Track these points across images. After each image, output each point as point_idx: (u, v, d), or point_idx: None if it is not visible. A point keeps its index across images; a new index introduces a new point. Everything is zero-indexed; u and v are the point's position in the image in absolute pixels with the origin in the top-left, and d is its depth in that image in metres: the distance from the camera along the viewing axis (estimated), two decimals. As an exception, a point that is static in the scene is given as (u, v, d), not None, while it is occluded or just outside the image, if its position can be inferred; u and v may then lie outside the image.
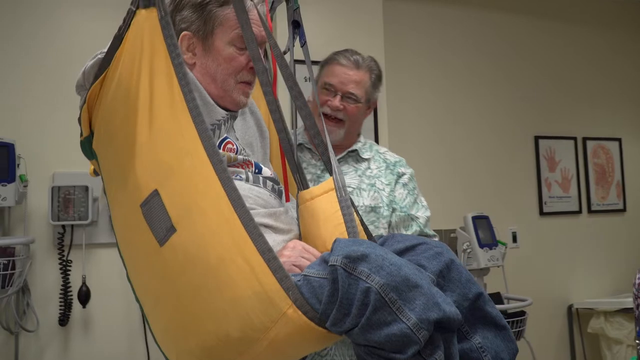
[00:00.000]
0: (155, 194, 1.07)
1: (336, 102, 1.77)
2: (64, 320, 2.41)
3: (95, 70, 1.13)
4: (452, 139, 3.45)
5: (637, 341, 1.37)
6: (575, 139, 3.85)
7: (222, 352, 1.06)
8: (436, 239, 1.78)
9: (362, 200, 1.76)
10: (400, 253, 1.21)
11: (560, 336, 3.66)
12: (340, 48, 1.84)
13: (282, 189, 1.36)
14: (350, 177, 1.82)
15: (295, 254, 1.14)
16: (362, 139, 1.91)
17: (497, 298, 2.99)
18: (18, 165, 2.32)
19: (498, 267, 3.04)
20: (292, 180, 1.43)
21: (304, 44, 1.49)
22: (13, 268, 2.27)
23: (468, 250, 2.97)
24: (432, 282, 1.08)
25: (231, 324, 1.02)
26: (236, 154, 1.30)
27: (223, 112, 1.32)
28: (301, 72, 2.62)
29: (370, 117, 2.77)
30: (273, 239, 1.20)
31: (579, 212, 3.82)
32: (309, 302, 1.01)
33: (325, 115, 1.75)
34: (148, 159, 1.09)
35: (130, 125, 1.09)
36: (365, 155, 1.85)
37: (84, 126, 1.18)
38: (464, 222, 3.02)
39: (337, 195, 1.22)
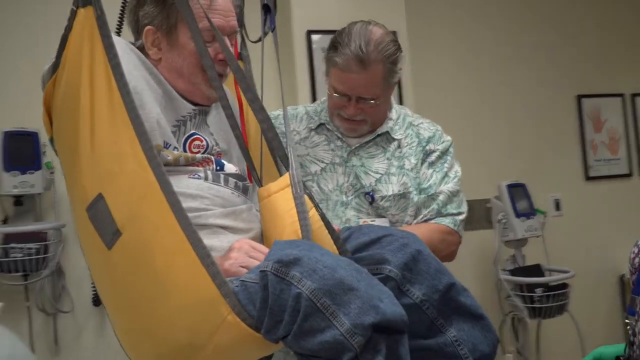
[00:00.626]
0: (100, 197, 1.06)
1: (351, 110, 1.59)
2: (97, 300, 2.49)
3: (50, 71, 1.13)
4: (485, 104, 3.28)
5: (626, 320, 1.29)
6: (622, 95, 3.60)
7: (173, 358, 1.06)
8: (461, 216, 1.66)
9: (391, 187, 1.64)
10: (366, 246, 1.17)
11: (611, 309, 3.48)
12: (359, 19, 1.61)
13: (248, 185, 1.31)
14: (379, 160, 1.68)
15: (241, 255, 1.09)
16: (394, 113, 1.72)
17: (536, 270, 2.88)
18: (44, 152, 2.38)
19: (537, 237, 2.92)
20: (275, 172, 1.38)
21: (273, 29, 1.38)
22: (46, 252, 2.37)
23: (503, 221, 2.87)
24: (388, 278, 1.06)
25: (179, 331, 1.02)
26: (206, 150, 1.27)
27: (190, 108, 1.29)
28: (321, 42, 2.59)
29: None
30: (229, 240, 1.17)
31: (629, 175, 3.59)
32: (245, 308, 0.98)
33: (344, 120, 1.62)
34: (92, 162, 1.07)
35: (75, 127, 1.08)
36: (397, 135, 1.69)
37: (46, 127, 1.18)
38: (499, 191, 2.91)
39: (292, 191, 1.15)
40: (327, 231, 1.15)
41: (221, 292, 0.97)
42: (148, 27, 1.24)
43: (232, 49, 1.29)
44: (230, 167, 1.30)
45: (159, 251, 1.02)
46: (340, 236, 1.19)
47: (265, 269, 0.97)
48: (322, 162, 1.69)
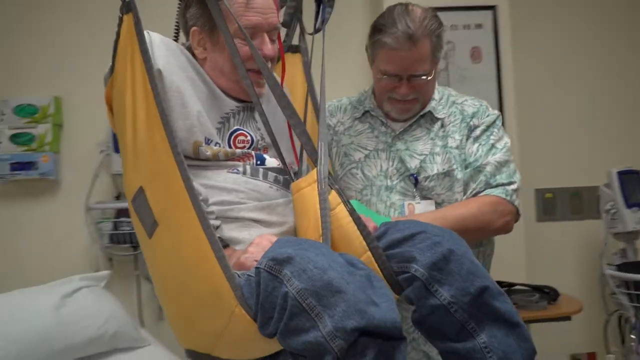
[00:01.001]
0: (141, 190, 1.16)
1: (404, 89, 1.60)
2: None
3: (108, 74, 1.23)
4: (596, 84, 3.00)
5: None
6: None
7: (201, 342, 1.15)
8: (512, 186, 1.60)
9: (436, 166, 1.64)
10: (399, 243, 1.16)
11: None
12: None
13: (289, 178, 1.33)
14: (423, 142, 1.68)
15: (258, 250, 1.11)
16: (437, 93, 1.72)
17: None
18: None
19: (650, 230, 2.66)
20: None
21: (321, 25, 1.40)
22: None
23: (612, 211, 2.64)
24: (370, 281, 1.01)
25: (202, 319, 1.12)
26: (251, 144, 1.33)
27: (233, 105, 1.34)
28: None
29: (492, 74, 2.57)
30: (260, 233, 1.21)
31: None
32: (247, 302, 1.02)
33: (397, 101, 1.63)
34: (135, 158, 1.18)
35: (123, 127, 1.18)
36: (440, 115, 1.69)
37: (111, 123, 1.30)
38: (608, 179, 2.68)
39: (317, 187, 1.16)
40: (356, 227, 1.16)
41: (230, 285, 1.04)
42: (193, 28, 1.31)
43: (273, 45, 1.33)
44: (271, 162, 1.33)
45: (185, 244, 1.11)
46: (370, 232, 1.18)
47: (259, 266, 1.00)
48: (366, 149, 1.70)
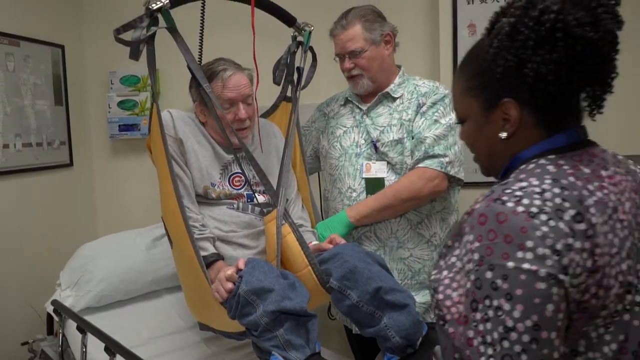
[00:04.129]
0: (162, 219, 1.90)
1: (346, 64, 2.04)
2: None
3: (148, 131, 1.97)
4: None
5: None
6: None
7: (202, 318, 1.91)
8: (447, 158, 1.94)
9: (392, 135, 2.01)
10: (326, 262, 1.72)
11: None
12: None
13: (271, 209, 1.83)
14: (384, 117, 2.06)
15: (217, 285, 1.67)
16: (397, 78, 2.10)
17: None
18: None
19: None
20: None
21: (304, 87, 2.14)
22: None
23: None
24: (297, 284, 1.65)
25: (201, 305, 1.85)
26: (245, 183, 1.92)
27: (228, 157, 1.92)
28: (469, 10, 2.63)
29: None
30: (243, 253, 1.83)
31: None
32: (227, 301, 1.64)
33: (348, 78, 2.06)
34: (160, 197, 1.87)
35: (156, 166, 1.90)
36: (396, 94, 2.06)
37: (152, 161, 1.99)
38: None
39: (276, 223, 1.74)
40: (301, 249, 1.71)
41: (210, 287, 1.68)
42: (195, 102, 1.93)
43: (249, 106, 1.91)
44: (260, 198, 1.90)
45: (186, 260, 1.77)
46: (311, 252, 1.73)
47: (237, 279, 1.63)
48: (344, 126, 2.13)
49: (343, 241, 1.85)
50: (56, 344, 2.35)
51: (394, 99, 2.07)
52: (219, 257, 1.79)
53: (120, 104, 3.07)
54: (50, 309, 2.31)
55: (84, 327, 1.94)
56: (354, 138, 2.10)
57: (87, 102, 3.24)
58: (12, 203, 2.68)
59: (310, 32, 2.12)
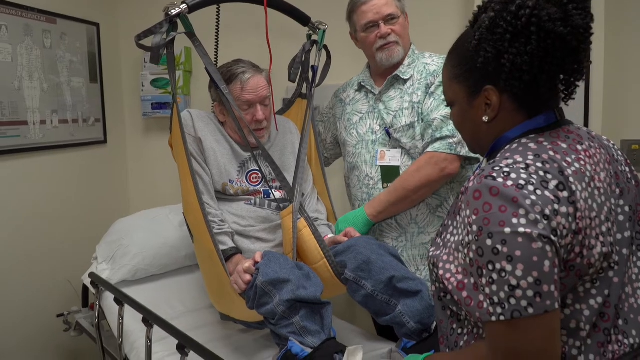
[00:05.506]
0: (184, 215, 2.01)
1: (383, 29, 1.96)
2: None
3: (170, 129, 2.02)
4: None
5: None
6: None
7: (223, 308, 1.94)
8: (454, 139, 1.89)
9: (404, 119, 1.98)
10: (340, 254, 1.77)
11: None
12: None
13: (287, 204, 1.88)
14: (396, 100, 2.02)
15: (235, 274, 1.71)
16: (407, 58, 2.05)
17: None
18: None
19: None
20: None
21: (319, 83, 2.14)
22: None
23: None
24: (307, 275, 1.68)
25: (221, 297, 1.90)
26: (262, 179, 1.99)
27: (246, 155, 2.00)
28: None
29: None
30: (261, 246, 1.92)
31: None
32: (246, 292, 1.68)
33: (382, 47, 1.98)
34: (182, 189, 1.92)
35: (177, 165, 1.94)
36: (406, 76, 2.02)
37: (174, 157, 2.00)
38: None
39: (292, 218, 1.80)
40: (316, 242, 1.75)
41: (229, 278, 1.73)
42: (215, 102, 2.01)
43: (266, 108, 1.96)
44: (277, 194, 1.98)
45: (206, 253, 1.82)
46: (327, 246, 1.77)
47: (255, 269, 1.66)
48: (360, 112, 2.10)
49: (357, 234, 1.90)
50: (91, 316, 2.41)
51: (405, 81, 2.02)
52: (237, 250, 1.87)
53: (154, 82, 3.09)
54: (87, 281, 2.35)
55: (122, 299, 1.98)
56: (370, 124, 2.08)
57: (121, 79, 3.28)
58: (48, 178, 2.74)
59: (324, 31, 2.16)
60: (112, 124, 3.19)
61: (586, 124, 2.53)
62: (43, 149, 2.67)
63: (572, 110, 2.64)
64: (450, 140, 1.90)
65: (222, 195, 1.98)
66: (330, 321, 1.61)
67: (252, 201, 1.97)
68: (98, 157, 3.10)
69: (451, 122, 1.88)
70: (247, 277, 1.64)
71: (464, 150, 1.90)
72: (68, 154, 2.85)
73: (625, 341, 1.05)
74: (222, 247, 1.81)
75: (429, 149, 1.92)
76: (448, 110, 1.87)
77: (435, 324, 1.63)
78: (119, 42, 3.24)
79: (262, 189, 1.99)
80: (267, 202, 1.97)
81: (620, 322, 1.06)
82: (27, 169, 2.61)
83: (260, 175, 1.99)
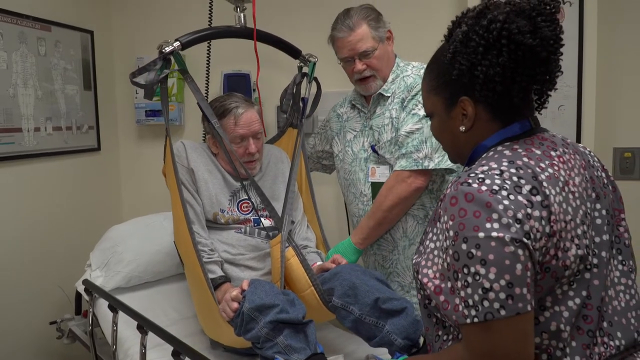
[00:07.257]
0: (174, 243, 2.04)
1: (358, 66, 1.99)
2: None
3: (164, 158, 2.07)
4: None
5: None
6: None
7: (213, 334, 1.94)
8: (421, 152, 1.92)
9: (385, 135, 2.01)
10: (328, 281, 1.80)
11: None
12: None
13: (277, 233, 1.92)
14: (381, 117, 2.04)
15: (224, 305, 1.73)
16: (390, 75, 2.06)
17: None
18: (253, 90, 2.95)
19: None
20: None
21: (309, 115, 2.19)
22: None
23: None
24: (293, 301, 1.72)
25: (210, 322, 1.91)
26: (252, 208, 2.03)
27: (237, 185, 2.04)
28: None
29: (574, 31, 2.59)
30: (249, 274, 1.95)
31: None
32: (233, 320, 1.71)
33: (359, 80, 2.01)
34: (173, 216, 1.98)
35: (170, 192, 1.97)
36: (388, 93, 2.04)
37: (167, 185, 2.03)
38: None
39: (280, 247, 1.83)
40: (304, 271, 1.78)
41: (218, 306, 1.76)
42: (208, 135, 2.07)
43: (258, 141, 2.02)
44: (265, 222, 2.01)
45: (195, 279, 1.86)
46: (314, 274, 1.80)
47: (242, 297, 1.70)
48: (354, 130, 2.13)
49: (345, 261, 1.94)
50: (84, 324, 2.40)
51: (387, 98, 2.05)
52: (226, 279, 1.90)
53: (148, 90, 3.08)
54: (80, 288, 2.35)
55: (116, 306, 1.98)
56: (362, 142, 2.12)
57: (114, 87, 3.29)
58: (42, 185, 2.73)
59: (314, 64, 2.21)
60: (106, 132, 3.19)
61: (579, 132, 2.56)
62: (37, 156, 2.67)
63: (564, 118, 2.67)
64: (415, 156, 1.92)
65: (213, 224, 2.02)
66: (314, 338, 1.64)
67: (243, 229, 2.01)
68: (92, 164, 3.09)
69: (416, 136, 1.94)
70: (235, 305, 1.68)
71: (432, 164, 1.92)
72: (62, 161, 2.85)
73: (611, 343, 1.07)
74: (211, 276, 1.84)
75: (395, 167, 1.97)
76: (413, 125, 1.94)
77: (422, 339, 1.67)
78: (113, 49, 3.25)
79: (252, 217, 2.02)
80: (257, 230, 2.02)
81: (605, 324, 1.08)
82: (21, 176, 2.60)
83: (250, 204, 2.03)
